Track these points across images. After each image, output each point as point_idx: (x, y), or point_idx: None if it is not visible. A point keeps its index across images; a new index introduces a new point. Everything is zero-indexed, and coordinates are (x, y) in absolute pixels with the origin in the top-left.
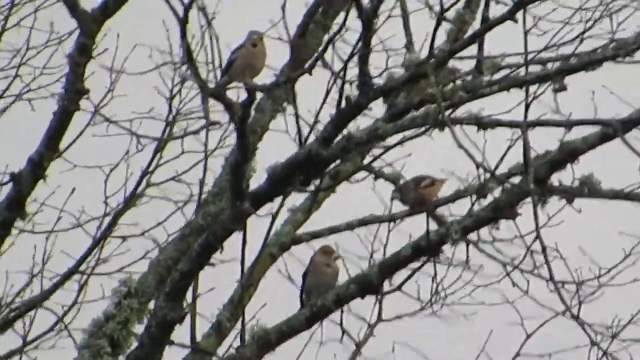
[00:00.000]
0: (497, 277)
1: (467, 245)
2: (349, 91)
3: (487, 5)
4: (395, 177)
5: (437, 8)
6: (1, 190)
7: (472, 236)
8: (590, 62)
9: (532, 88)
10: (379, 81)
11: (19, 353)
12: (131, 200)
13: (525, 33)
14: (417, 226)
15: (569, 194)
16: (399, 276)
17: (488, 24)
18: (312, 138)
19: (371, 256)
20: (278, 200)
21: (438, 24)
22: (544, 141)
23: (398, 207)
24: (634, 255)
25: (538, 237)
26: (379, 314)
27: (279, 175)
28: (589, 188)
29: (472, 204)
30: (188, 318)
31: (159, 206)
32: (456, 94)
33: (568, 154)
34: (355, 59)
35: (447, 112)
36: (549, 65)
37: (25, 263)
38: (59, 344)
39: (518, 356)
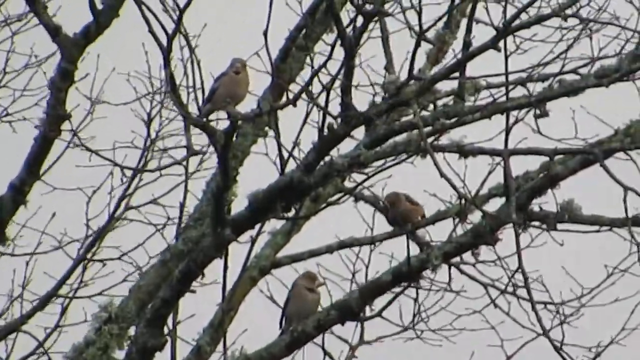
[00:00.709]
0: (479, 299)
1: (449, 268)
2: (332, 120)
3: (468, 31)
4: (375, 199)
5: (416, 28)
6: None
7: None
8: (573, 89)
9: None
10: (360, 108)
11: None
12: (111, 223)
13: (507, 57)
14: (398, 247)
15: (549, 221)
16: (380, 300)
17: (470, 53)
18: (292, 162)
19: (353, 277)
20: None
21: (418, 44)
22: (525, 163)
23: (379, 229)
24: (615, 275)
25: (520, 267)
26: (361, 336)
27: (260, 202)
28: (569, 214)
29: (453, 229)
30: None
31: (140, 229)
32: (438, 121)
33: (549, 180)
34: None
35: (429, 140)
36: (531, 86)
37: (5, 286)
38: None
39: None
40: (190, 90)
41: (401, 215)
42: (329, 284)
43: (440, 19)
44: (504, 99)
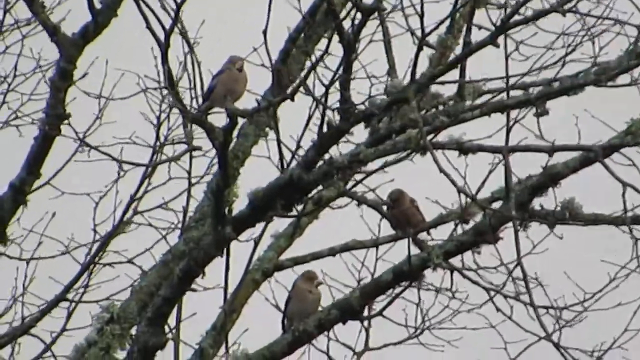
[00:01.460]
0: (482, 303)
1: (452, 273)
2: (331, 116)
3: (468, 30)
4: (377, 202)
5: (419, 33)
6: None
7: (457, 263)
8: (572, 87)
9: (514, 112)
10: (360, 107)
11: None
12: (118, 228)
13: (507, 57)
14: (401, 252)
15: (550, 219)
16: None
17: (469, 49)
18: (294, 164)
19: (359, 284)
20: (260, 225)
21: (420, 49)
22: (526, 164)
23: (383, 232)
24: (617, 280)
25: (519, 264)
26: (366, 342)
27: (260, 200)
28: (570, 212)
29: (454, 228)
30: (171, 345)
31: (148, 233)
32: (438, 119)
33: (549, 178)
34: (337, 84)
35: (428, 137)
36: (531, 90)
37: (6, 290)
38: None
39: None
40: (190, 87)
41: (403, 215)
42: (333, 290)
43: (442, 22)
44: (503, 96)
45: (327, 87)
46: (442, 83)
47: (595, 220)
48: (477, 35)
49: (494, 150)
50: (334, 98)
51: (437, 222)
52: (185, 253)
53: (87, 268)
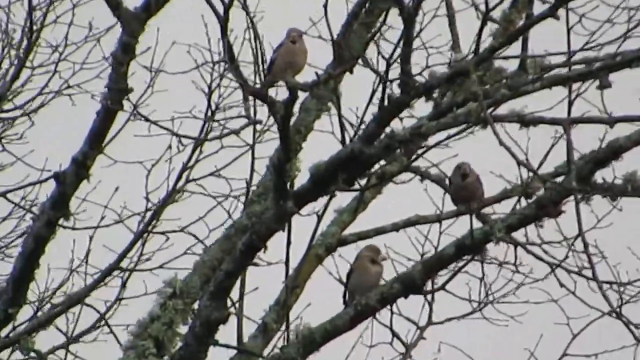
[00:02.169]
0: (544, 276)
1: (515, 248)
2: (392, 90)
3: (530, 2)
4: (440, 177)
5: (482, 7)
6: (41, 188)
7: (520, 238)
8: (636, 58)
9: (576, 85)
10: (421, 80)
11: (64, 349)
12: (171, 196)
13: (569, 31)
14: (464, 227)
15: (612, 192)
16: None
17: (530, 22)
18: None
19: (422, 258)
20: (321, 200)
21: (483, 24)
22: (587, 139)
23: (446, 207)
24: None
25: (581, 235)
26: (429, 316)
27: (321, 174)
28: (632, 185)
29: (517, 201)
30: (234, 319)
31: (201, 201)
32: (499, 92)
33: (611, 152)
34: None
35: (489, 110)
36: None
37: (64, 259)
38: (100, 338)
39: (565, 356)
40: (251, 61)
41: (468, 188)
42: (396, 265)
43: None
44: (565, 69)
45: (389, 61)
46: (505, 58)
47: None
48: (539, 9)
49: (555, 122)
50: (394, 73)
51: (500, 197)
52: (248, 227)
53: (141, 237)
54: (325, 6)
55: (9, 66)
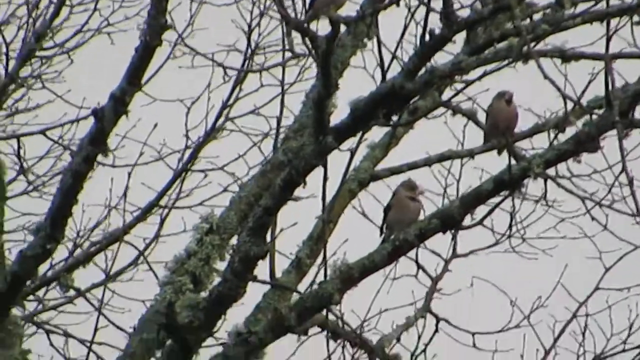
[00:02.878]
0: (576, 212)
1: (545, 181)
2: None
3: None
4: (472, 112)
5: None
6: (78, 126)
7: (550, 172)
8: None
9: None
10: (463, 14)
11: (103, 286)
12: (211, 134)
13: None
14: (493, 162)
15: None
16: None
17: None
18: (392, 71)
19: (444, 191)
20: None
21: None
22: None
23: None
24: None
25: (624, 169)
26: (454, 249)
27: (361, 109)
28: None
29: (555, 136)
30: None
31: (239, 140)
32: (539, 27)
33: None
34: None
35: (531, 45)
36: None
37: (102, 197)
38: (137, 276)
39: (597, 290)
40: None
41: (512, 113)
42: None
43: None
44: (604, 4)
45: None
46: None
47: None
48: None
49: (596, 57)
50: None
51: (533, 130)
52: (284, 163)
53: (180, 175)
54: None
55: (48, 4)
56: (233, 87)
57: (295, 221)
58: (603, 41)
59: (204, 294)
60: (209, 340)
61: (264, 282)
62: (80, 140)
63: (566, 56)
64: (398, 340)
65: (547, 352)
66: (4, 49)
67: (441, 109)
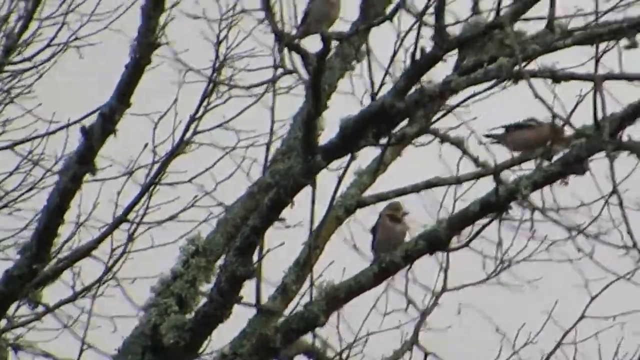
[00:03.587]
0: (562, 243)
1: (532, 212)
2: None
3: None
4: (460, 140)
5: None
6: (48, 140)
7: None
8: None
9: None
10: (454, 33)
11: (71, 302)
12: (179, 148)
13: None
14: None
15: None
16: None
17: None
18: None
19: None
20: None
21: None
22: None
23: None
24: None
25: (615, 191)
26: (444, 283)
27: (351, 128)
28: None
29: (542, 159)
30: (253, 281)
31: (208, 153)
32: (530, 47)
33: (638, 110)
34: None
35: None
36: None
37: (72, 213)
38: (107, 292)
39: (583, 318)
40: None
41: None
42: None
43: None
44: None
45: (421, 15)
46: (531, 19)
47: None
48: None
49: (586, 78)
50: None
51: (520, 159)
52: (272, 185)
53: (148, 189)
54: None
55: (17, 18)
56: (201, 100)
57: (282, 243)
58: (591, 64)
59: (189, 316)
60: None
61: (249, 305)
62: (67, 159)
63: (557, 76)
64: None
65: None
66: None
67: (429, 137)
